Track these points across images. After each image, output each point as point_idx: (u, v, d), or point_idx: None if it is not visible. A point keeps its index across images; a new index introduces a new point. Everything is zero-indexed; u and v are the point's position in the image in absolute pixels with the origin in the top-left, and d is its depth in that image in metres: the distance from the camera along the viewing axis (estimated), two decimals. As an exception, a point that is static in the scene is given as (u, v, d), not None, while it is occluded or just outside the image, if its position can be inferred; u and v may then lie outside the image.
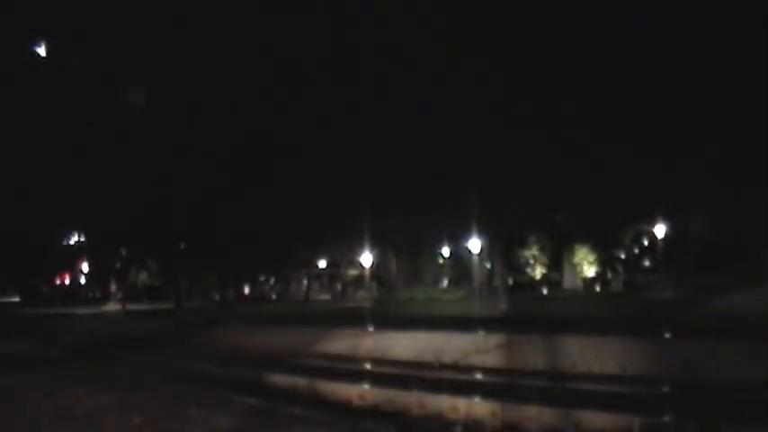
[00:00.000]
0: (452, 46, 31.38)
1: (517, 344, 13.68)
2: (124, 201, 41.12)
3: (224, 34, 33.49)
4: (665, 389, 9.99)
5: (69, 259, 61.22)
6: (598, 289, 44.03)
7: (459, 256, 45.87)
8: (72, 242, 60.89)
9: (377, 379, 12.36)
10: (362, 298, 45.12)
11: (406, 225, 38.49)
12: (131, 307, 45.54)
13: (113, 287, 59.12)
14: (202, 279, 58.36)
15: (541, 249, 46.51)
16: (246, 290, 63.46)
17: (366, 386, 11.86)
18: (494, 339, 14.37)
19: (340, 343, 16.84)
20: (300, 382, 12.95)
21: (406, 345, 15.43)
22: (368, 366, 14.29)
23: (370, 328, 18.00)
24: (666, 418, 8.31)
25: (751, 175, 30.40)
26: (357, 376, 12.79)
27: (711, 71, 28.14)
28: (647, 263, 46.66)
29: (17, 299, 60.64)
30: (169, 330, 25.24)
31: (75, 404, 8.78)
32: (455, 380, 11.65)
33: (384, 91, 33.35)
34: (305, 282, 57.91)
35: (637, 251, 47.35)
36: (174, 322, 29.64)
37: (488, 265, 42.86)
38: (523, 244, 46.38)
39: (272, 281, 65.45)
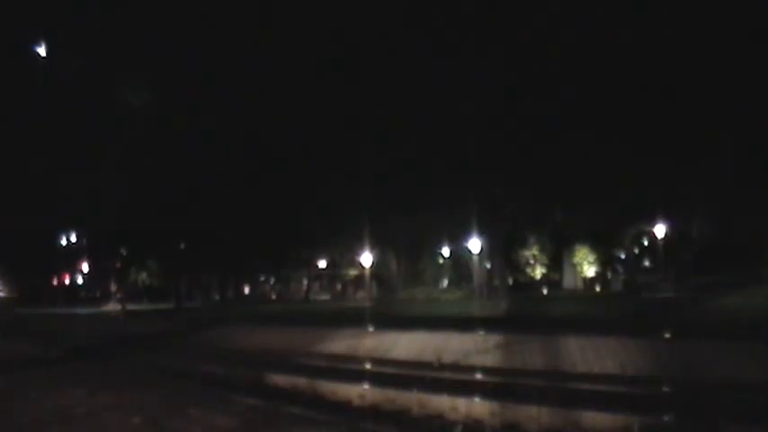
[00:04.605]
0: (452, 45, 31.38)
1: (517, 344, 13.68)
2: (124, 201, 41.07)
3: (225, 33, 33.47)
4: (665, 389, 9.99)
5: (69, 259, 61.21)
6: (598, 289, 44.03)
7: (460, 256, 45.85)
8: (72, 242, 60.88)
9: (377, 379, 12.36)
10: (362, 298, 45.11)
11: (406, 225, 38.45)
12: (131, 307, 45.50)
13: (113, 287, 59.10)
14: (202, 279, 58.37)
15: (541, 249, 46.52)
16: (246, 290, 63.47)
17: (366, 386, 11.86)
18: (494, 339, 14.37)
19: (340, 343, 16.84)
20: (300, 382, 12.96)
21: (406, 345, 15.43)
22: (368, 366, 14.28)
23: (370, 328, 17.99)
24: (666, 418, 8.31)
25: (751, 176, 30.39)
26: (357, 376, 12.78)
27: (713, 71, 28.14)
28: (647, 263, 46.67)
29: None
30: (169, 330, 25.24)
31: (75, 404, 8.77)
32: (455, 380, 11.65)
33: (384, 90, 33.33)
34: (305, 282, 57.90)
35: (637, 251, 47.36)
36: (173, 322, 29.65)
37: (488, 265, 42.86)
38: (523, 244, 46.38)
39: (272, 281, 65.46)
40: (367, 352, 15.63)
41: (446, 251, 49.10)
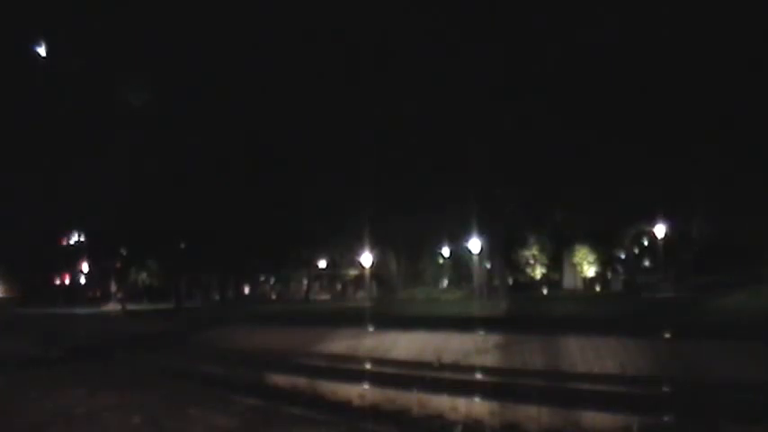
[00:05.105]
0: (453, 45, 31.39)
1: (517, 344, 13.68)
2: (124, 201, 41.10)
3: (225, 33, 33.52)
4: (665, 389, 9.99)
5: (69, 259, 61.26)
6: (598, 289, 44.01)
7: (460, 256, 45.84)
8: (72, 242, 60.94)
9: (377, 379, 12.35)
10: (362, 298, 45.10)
11: (406, 225, 38.47)
12: (131, 307, 45.54)
13: (113, 287, 59.12)
14: (202, 279, 58.37)
15: (541, 249, 46.50)
16: (246, 290, 63.47)
17: (366, 386, 11.85)
18: (494, 339, 14.36)
19: (340, 343, 16.83)
20: (300, 382, 12.95)
21: (406, 345, 15.43)
22: (368, 366, 14.28)
23: (370, 328, 17.99)
24: (666, 418, 8.31)
25: (751, 176, 30.38)
26: (357, 376, 12.77)
27: (712, 70, 28.14)
28: (647, 263, 46.64)
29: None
30: (169, 330, 25.23)
31: (75, 404, 8.78)
32: (455, 380, 11.64)
33: (384, 90, 33.34)
34: (305, 282, 57.89)
35: (637, 251, 47.33)
36: (173, 322, 29.64)
37: (488, 265, 42.86)
38: (523, 244, 46.37)
39: (272, 281, 65.44)
40: (367, 352, 15.62)
41: (446, 251, 49.07)
